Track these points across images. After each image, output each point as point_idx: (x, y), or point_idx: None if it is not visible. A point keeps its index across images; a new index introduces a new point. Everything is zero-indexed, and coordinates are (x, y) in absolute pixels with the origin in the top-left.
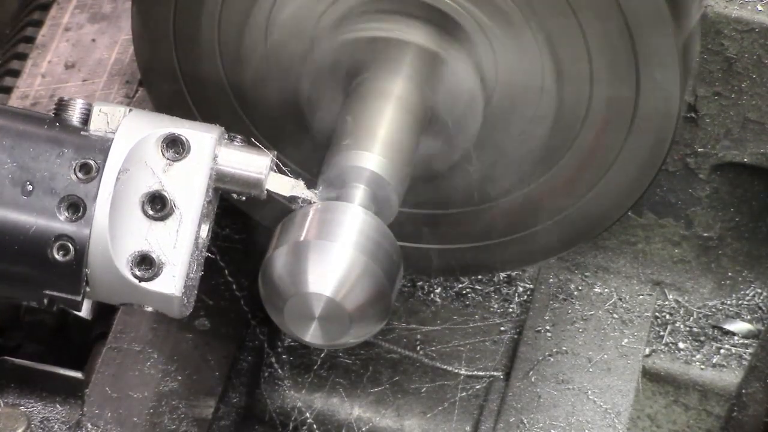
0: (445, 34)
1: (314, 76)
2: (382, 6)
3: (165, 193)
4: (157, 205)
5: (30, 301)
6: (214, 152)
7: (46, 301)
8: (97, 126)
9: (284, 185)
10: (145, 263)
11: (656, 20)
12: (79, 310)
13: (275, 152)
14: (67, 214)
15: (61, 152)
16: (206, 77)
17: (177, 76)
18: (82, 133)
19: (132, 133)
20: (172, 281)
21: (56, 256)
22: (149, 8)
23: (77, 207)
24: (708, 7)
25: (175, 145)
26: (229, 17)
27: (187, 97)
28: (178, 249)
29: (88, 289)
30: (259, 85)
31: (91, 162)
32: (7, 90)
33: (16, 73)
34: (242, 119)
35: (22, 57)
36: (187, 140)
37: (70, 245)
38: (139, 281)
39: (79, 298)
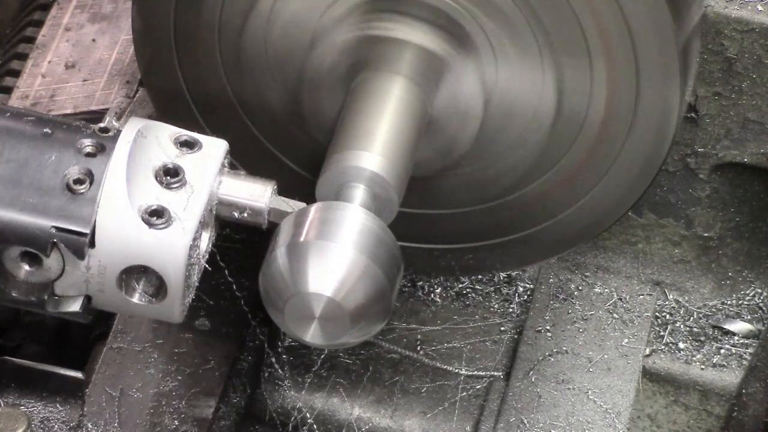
0: (447, 36)
1: (314, 76)
2: (383, 5)
3: (178, 166)
4: (170, 175)
5: (35, 240)
6: (225, 154)
7: (51, 245)
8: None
9: (288, 206)
10: (157, 215)
11: (656, 21)
12: (82, 258)
13: (275, 182)
14: (88, 148)
15: (78, 121)
16: (206, 77)
17: (177, 76)
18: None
19: (143, 124)
20: (182, 232)
21: (72, 186)
22: (149, 8)
23: (97, 147)
24: (708, 7)
25: (187, 143)
26: (229, 17)
27: (188, 97)
28: (188, 210)
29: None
30: (260, 85)
31: (110, 127)
32: (8, 90)
33: (16, 73)
34: (242, 119)
35: (22, 57)
36: (199, 140)
37: (87, 179)
38: (149, 227)
39: (87, 232)
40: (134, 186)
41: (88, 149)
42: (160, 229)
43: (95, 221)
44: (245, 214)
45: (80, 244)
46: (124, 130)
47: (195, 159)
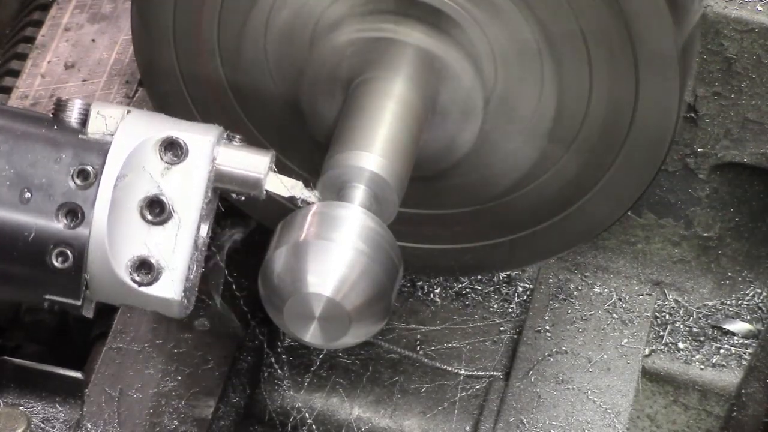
0: (445, 34)
1: (314, 77)
2: (382, 6)
3: (163, 198)
4: (156, 209)
5: (32, 302)
6: (212, 155)
7: (47, 303)
8: (95, 128)
9: (283, 186)
10: (144, 268)
11: (656, 21)
12: (80, 314)
13: (274, 152)
14: (65, 221)
15: (58, 157)
16: (206, 77)
17: (177, 76)
18: (80, 136)
19: (130, 136)
20: (171, 285)
21: (55, 263)
22: (149, 8)
23: (75, 213)
24: (708, 7)
25: (173, 148)
26: (228, 17)
27: (187, 97)
28: (177, 253)
29: (88, 292)
30: (259, 85)
31: (89, 168)
32: (7, 90)
33: (16, 73)
34: (242, 119)
35: (22, 57)
36: (185, 143)
37: (68, 252)
38: (139, 286)
39: (79, 303)
40: (118, 242)
41: (67, 211)
42: (150, 285)
43: (85, 285)
44: (242, 189)
45: (74, 308)
46: (104, 176)
47: (181, 174)
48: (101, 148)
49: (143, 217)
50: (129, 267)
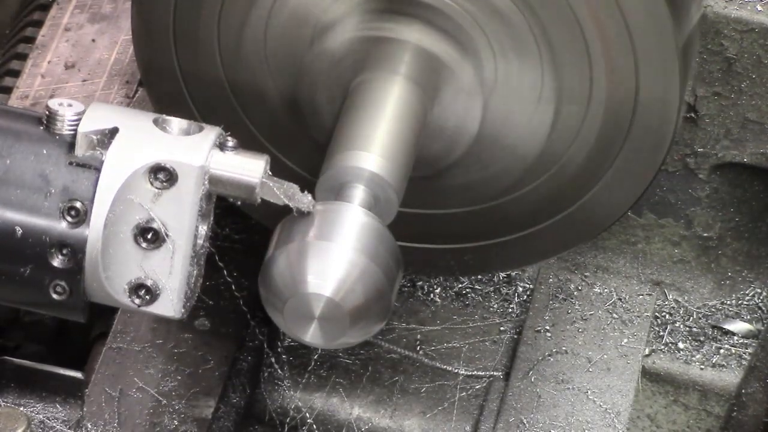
0: (445, 34)
1: (313, 76)
2: (381, 6)
3: (156, 225)
4: (149, 235)
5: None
6: (203, 177)
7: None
8: (83, 150)
9: (277, 192)
10: (142, 290)
11: (656, 21)
12: (85, 322)
13: (268, 157)
14: (59, 257)
15: (48, 193)
16: (206, 77)
17: (177, 75)
18: (69, 162)
19: (118, 169)
20: (171, 304)
21: (53, 296)
22: (149, 8)
23: (68, 249)
24: (708, 7)
25: (162, 172)
26: (228, 16)
27: (187, 96)
28: (174, 274)
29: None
30: (259, 85)
31: (78, 204)
32: (7, 90)
33: (16, 73)
34: (242, 119)
35: (22, 57)
36: (174, 170)
37: (65, 285)
38: (138, 306)
39: (83, 320)
40: (114, 269)
41: (60, 248)
42: (151, 303)
43: (88, 305)
44: (237, 193)
45: (81, 322)
46: (94, 213)
47: (172, 198)
48: (89, 178)
49: (137, 243)
50: (127, 291)
